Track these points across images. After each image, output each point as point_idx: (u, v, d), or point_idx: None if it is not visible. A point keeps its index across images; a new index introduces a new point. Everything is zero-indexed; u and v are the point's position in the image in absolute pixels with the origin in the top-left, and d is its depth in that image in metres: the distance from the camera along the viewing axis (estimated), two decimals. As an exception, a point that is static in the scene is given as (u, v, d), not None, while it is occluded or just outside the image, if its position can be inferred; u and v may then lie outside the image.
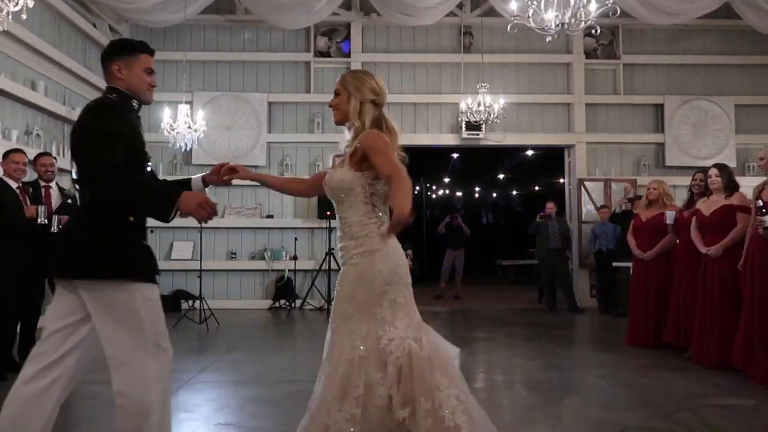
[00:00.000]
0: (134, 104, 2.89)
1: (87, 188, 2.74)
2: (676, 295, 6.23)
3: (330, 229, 10.47)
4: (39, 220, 5.30)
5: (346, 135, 3.02)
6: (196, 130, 8.93)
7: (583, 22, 5.44)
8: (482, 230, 12.89)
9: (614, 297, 9.68)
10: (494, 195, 21.92)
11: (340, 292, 2.87)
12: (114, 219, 2.69)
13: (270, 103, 10.96)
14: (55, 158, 6.24)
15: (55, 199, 5.87)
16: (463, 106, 10.07)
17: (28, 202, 5.46)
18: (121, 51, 2.88)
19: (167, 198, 2.68)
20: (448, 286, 12.18)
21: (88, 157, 2.65)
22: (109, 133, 2.65)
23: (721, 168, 5.77)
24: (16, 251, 5.30)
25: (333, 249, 10.44)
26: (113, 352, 2.70)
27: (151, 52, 2.94)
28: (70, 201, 5.85)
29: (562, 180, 12.36)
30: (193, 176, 3.21)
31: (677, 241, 6.42)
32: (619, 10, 5.80)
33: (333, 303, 2.93)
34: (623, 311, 9.26)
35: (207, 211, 2.76)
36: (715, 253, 5.51)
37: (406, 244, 10.29)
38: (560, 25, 5.45)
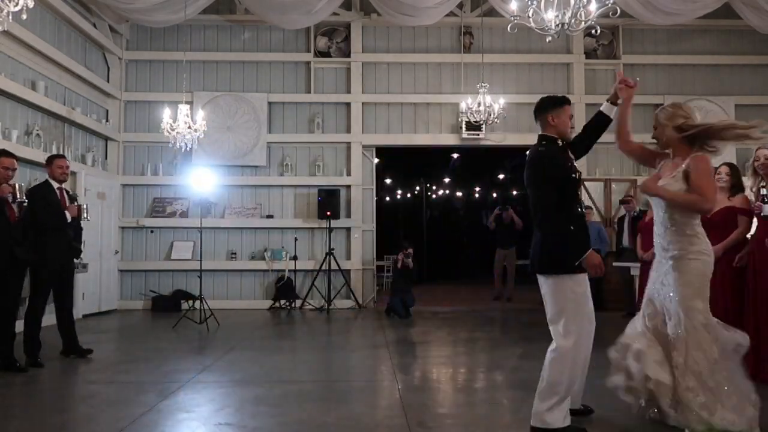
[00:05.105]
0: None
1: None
2: None
3: (330, 230, 10.47)
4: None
5: None
6: (196, 130, 8.92)
7: (583, 22, 5.43)
8: (483, 230, 12.92)
9: (606, 297, 9.72)
10: (494, 195, 21.92)
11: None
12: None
13: (270, 103, 10.96)
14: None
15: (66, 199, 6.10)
16: (463, 106, 10.07)
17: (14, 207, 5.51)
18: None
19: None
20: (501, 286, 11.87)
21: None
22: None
23: (733, 167, 5.69)
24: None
25: (333, 249, 10.45)
26: None
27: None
28: (76, 202, 6.17)
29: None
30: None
31: None
32: (619, 10, 5.79)
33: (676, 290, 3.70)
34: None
35: (598, 272, 3.62)
36: (714, 254, 5.49)
37: (406, 243, 10.17)
38: (560, 25, 5.44)
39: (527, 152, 4.00)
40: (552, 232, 3.67)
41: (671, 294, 3.74)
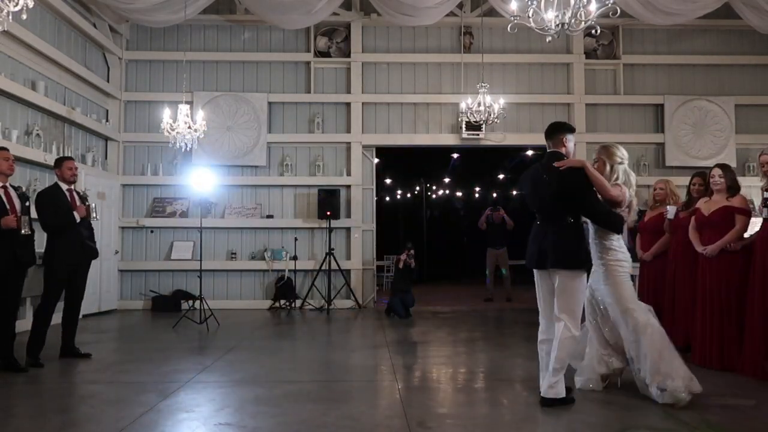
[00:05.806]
0: None
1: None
2: (672, 295, 6.20)
3: (330, 230, 10.48)
4: (23, 230, 5.45)
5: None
6: (196, 130, 8.92)
7: (583, 22, 5.42)
8: (482, 230, 13.00)
9: None
10: (494, 195, 21.93)
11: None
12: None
13: (270, 103, 10.96)
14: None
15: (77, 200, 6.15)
16: (463, 106, 10.07)
17: (15, 204, 5.52)
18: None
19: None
20: (496, 287, 11.81)
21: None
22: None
23: (725, 169, 5.70)
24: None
25: (333, 249, 10.45)
26: None
27: None
28: (87, 202, 6.21)
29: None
30: None
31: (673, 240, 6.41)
32: (619, 10, 5.78)
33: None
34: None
35: None
36: (711, 253, 5.50)
37: (409, 243, 10.18)
38: (560, 25, 5.43)
39: (543, 161, 4.51)
40: (581, 233, 4.34)
41: (607, 290, 4.54)
